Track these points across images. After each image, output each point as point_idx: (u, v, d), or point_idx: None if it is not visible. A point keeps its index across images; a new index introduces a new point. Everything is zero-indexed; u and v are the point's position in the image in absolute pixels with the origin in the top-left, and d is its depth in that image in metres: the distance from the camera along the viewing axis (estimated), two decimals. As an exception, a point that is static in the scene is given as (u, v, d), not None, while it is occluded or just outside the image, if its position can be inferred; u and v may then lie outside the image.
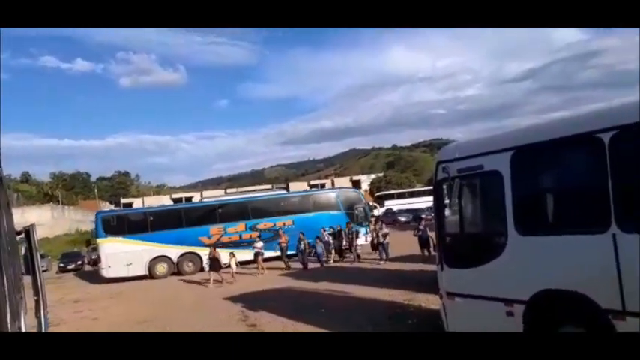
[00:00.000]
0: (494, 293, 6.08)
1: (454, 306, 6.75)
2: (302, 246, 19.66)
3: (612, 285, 4.86)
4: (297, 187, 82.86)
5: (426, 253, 17.67)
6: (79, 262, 35.74)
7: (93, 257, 37.00)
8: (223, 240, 22.71)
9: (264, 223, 23.89)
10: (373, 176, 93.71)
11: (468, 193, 6.91)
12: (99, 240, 23.19)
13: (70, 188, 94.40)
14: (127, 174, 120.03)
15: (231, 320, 11.41)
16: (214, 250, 18.64)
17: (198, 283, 19.48)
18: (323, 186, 64.56)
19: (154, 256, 22.25)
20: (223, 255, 19.09)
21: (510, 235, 5.88)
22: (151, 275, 22.41)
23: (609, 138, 4.93)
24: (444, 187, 6.80)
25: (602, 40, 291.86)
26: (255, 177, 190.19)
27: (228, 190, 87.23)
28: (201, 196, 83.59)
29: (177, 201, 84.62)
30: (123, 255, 21.50)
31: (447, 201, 6.91)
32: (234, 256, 19.24)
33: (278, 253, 21.38)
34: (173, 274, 22.59)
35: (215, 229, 23.44)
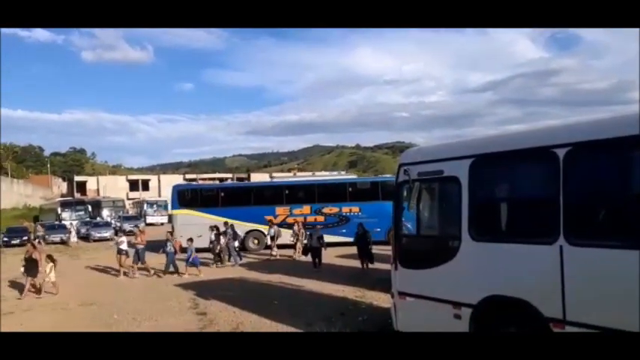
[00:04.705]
0: (444, 295, 6.23)
1: (405, 305, 6.87)
2: (169, 247, 17.66)
3: (555, 295, 5.06)
4: (259, 177, 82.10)
5: (365, 266, 15.42)
6: (24, 238, 34.35)
7: (40, 234, 35.64)
8: (289, 221, 22.66)
9: (330, 208, 23.80)
10: (335, 173, 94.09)
11: (427, 197, 7.04)
12: (174, 211, 24.53)
13: (20, 161, 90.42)
14: (82, 151, 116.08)
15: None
16: (32, 248, 14.91)
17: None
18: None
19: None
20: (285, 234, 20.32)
21: (464, 239, 6.03)
22: None
23: (564, 153, 5.12)
24: (405, 188, 6.90)
25: (562, 60, 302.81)
26: (217, 164, 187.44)
27: (187, 176, 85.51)
28: (159, 179, 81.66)
29: (133, 183, 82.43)
30: (193, 227, 21.10)
31: (406, 202, 7.02)
32: (53, 261, 14.79)
33: (340, 239, 20.98)
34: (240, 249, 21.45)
35: (281, 210, 23.70)
